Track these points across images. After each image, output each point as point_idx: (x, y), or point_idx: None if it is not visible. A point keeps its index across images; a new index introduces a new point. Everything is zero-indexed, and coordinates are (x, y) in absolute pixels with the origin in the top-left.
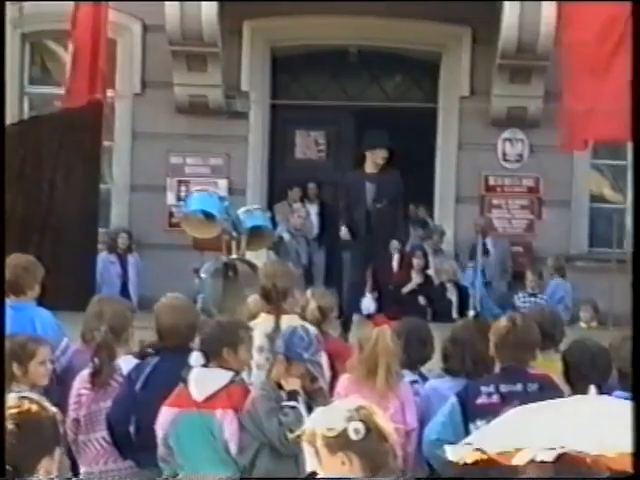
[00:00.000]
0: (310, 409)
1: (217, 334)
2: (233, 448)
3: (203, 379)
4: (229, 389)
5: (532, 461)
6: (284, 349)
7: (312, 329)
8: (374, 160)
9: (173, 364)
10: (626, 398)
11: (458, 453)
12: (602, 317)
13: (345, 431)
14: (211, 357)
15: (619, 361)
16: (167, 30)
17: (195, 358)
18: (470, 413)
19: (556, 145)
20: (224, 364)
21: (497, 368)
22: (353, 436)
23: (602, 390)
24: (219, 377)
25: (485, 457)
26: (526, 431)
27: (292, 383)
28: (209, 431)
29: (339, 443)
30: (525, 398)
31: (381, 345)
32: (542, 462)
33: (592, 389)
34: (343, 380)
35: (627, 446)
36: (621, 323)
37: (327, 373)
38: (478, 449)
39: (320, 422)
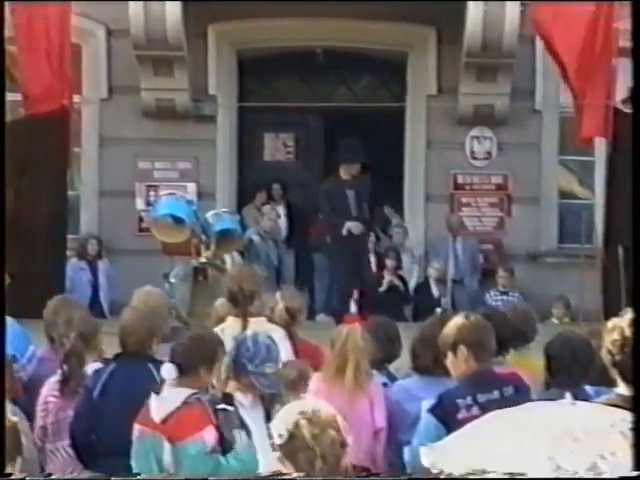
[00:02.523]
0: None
1: (196, 349)
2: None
3: (162, 398)
4: (182, 410)
5: None
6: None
7: (263, 339)
8: (349, 172)
9: (130, 371)
10: (596, 393)
11: (430, 457)
12: (574, 313)
13: (272, 433)
14: (184, 372)
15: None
16: (132, 34)
17: (167, 370)
18: (452, 430)
19: (528, 137)
20: (194, 382)
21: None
22: (277, 440)
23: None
24: (176, 397)
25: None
26: (488, 451)
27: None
28: (158, 454)
29: (272, 444)
30: (503, 404)
31: (351, 343)
32: None
33: (567, 396)
34: (315, 378)
35: (585, 468)
36: (591, 318)
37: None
38: (444, 471)
39: (274, 422)
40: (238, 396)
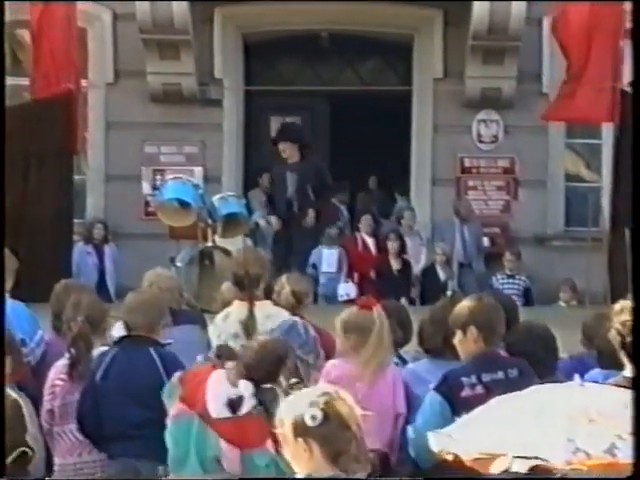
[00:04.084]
0: None
1: (273, 361)
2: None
3: (225, 396)
4: (245, 419)
5: (506, 471)
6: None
7: (311, 329)
8: (288, 154)
9: (131, 355)
10: (605, 377)
11: (440, 443)
12: (581, 296)
13: (302, 417)
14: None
15: (597, 339)
16: (138, 18)
17: (244, 387)
18: (456, 407)
19: (535, 121)
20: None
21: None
22: (310, 422)
23: (553, 369)
24: (246, 404)
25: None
26: (501, 435)
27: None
28: (200, 444)
29: (298, 429)
30: (507, 385)
31: (385, 327)
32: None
33: (576, 378)
34: (330, 365)
35: (603, 452)
36: (598, 301)
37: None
38: (454, 454)
39: (286, 408)
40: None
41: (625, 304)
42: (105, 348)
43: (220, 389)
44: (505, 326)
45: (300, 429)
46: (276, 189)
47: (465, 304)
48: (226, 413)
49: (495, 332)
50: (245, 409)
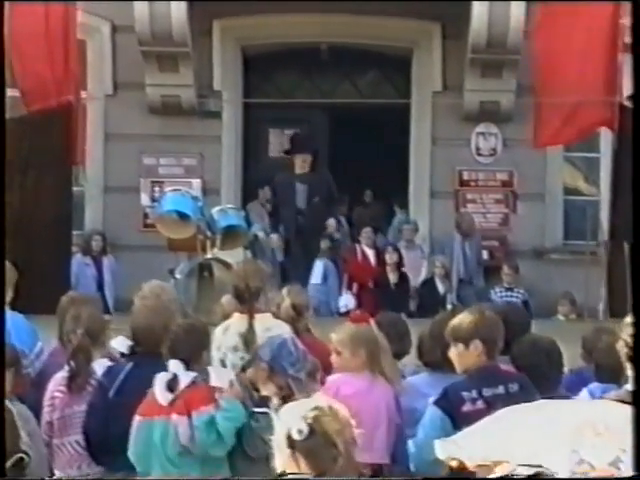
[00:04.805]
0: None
1: (196, 338)
2: (195, 450)
3: (168, 382)
4: (192, 390)
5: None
6: (269, 358)
7: (299, 344)
8: (301, 165)
9: (147, 370)
10: (604, 390)
11: (446, 450)
12: (579, 309)
13: (290, 430)
14: (192, 363)
15: (595, 352)
16: (137, 31)
17: (174, 366)
18: (457, 422)
19: (528, 140)
20: (200, 367)
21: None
22: (296, 436)
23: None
24: (183, 379)
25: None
26: (506, 443)
27: (268, 389)
28: (165, 436)
29: (288, 441)
30: (508, 400)
31: (381, 342)
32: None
33: (584, 392)
34: (339, 382)
35: (607, 465)
36: (596, 315)
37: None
38: (458, 459)
39: (281, 417)
40: (274, 399)
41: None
42: (105, 361)
43: (159, 379)
44: (516, 337)
45: (289, 440)
46: (283, 199)
47: (467, 317)
48: (169, 395)
49: (497, 346)
50: (183, 384)
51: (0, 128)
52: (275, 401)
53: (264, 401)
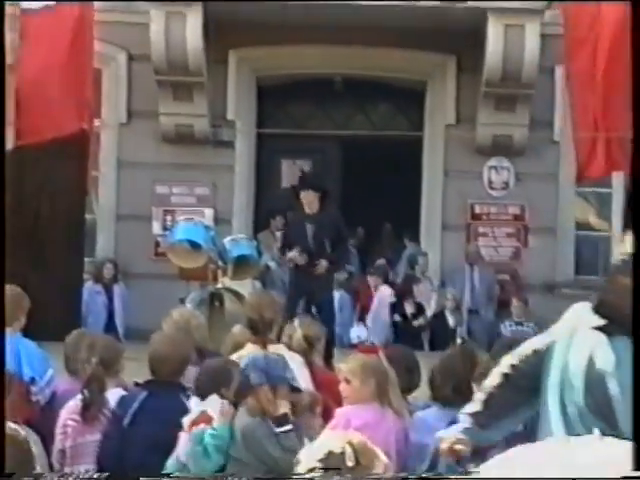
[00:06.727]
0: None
1: (220, 379)
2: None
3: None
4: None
5: None
6: (265, 378)
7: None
8: (308, 204)
9: (163, 399)
10: None
11: None
12: None
13: (341, 455)
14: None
15: None
16: (152, 60)
17: (195, 402)
18: None
19: (545, 168)
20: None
21: None
22: (349, 463)
23: None
24: (195, 410)
25: None
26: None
27: (282, 406)
28: None
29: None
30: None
31: (390, 374)
32: None
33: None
34: (349, 414)
35: None
36: None
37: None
38: None
39: (317, 450)
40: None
41: None
42: (119, 390)
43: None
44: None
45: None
46: (294, 239)
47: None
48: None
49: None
50: (194, 415)
51: (0, 134)
52: (291, 415)
53: (282, 420)
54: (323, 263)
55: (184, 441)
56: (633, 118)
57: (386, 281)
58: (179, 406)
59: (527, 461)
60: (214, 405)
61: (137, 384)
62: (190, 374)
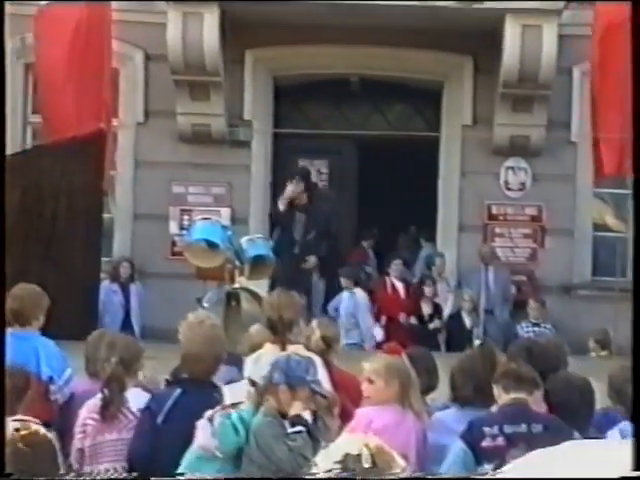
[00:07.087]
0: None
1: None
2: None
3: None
4: None
5: None
6: (284, 378)
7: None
8: (297, 193)
9: (196, 397)
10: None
11: None
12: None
13: (358, 457)
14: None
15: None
16: (169, 60)
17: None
18: (478, 456)
19: (563, 169)
20: None
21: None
22: (365, 465)
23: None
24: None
25: None
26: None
27: (296, 407)
28: None
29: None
30: (530, 439)
31: (412, 376)
32: None
33: (615, 433)
34: (371, 415)
35: None
36: (624, 352)
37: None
38: None
39: (334, 452)
40: (305, 415)
41: None
42: (139, 390)
43: None
44: (547, 372)
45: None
46: (284, 229)
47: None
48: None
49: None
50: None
51: (0, 128)
52: (307, 417)
53: (296, 420)
54: (312, 259)
55: (203, 426)
56: (633, 118)
57: (404, 280)
58: (213, 404)
59: (545, 465)
60: (243, 390)
61: (169, 382)
62: (221, 373)
